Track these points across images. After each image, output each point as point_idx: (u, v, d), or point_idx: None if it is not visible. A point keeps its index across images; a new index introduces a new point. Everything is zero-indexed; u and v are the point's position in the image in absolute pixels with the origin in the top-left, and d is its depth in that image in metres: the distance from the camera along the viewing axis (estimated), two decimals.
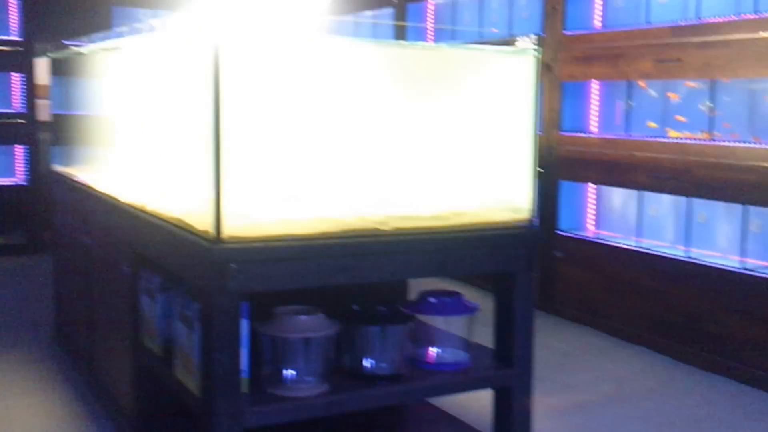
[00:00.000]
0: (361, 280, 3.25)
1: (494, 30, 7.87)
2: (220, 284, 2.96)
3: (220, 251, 2.95)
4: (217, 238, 2.96)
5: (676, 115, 6.15)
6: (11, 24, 9.03)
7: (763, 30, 5.22)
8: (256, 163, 3.18)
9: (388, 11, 9.34)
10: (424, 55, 3.74)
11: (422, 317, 3.60)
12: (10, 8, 9.03)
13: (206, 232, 3.03)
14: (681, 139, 5.89)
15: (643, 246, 6.21)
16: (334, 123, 3.37)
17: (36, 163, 9.05)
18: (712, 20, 5.63)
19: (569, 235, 6.83)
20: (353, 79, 3.41)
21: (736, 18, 5.46)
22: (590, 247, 6.61)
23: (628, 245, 6.31)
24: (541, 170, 6.70)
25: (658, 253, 6.02)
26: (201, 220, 3.09)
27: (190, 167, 3.30)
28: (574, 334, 6.40)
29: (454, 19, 8.42)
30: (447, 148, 3.63)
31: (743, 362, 5.32)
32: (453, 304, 3.59)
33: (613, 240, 6.51)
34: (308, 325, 3.23)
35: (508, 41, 3.69)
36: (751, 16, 5.36)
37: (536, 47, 3.59)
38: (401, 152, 3.54)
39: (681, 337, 5.76)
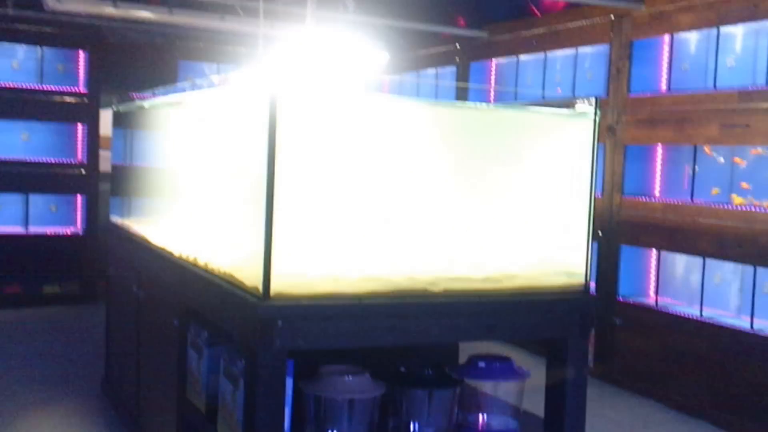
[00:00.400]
0: (409, 342, 3.19)
1: (558, 90, 7.82)
2: (266, 341, 2.92)
3: (267, 308, 2.92)
4: (265, 295, 2.93)
5: (741, 182, 6.01)
6: (79, 76, 9.22)
7: None
8: (306, 219, 3.14)
9: (451, 69, 9.36)
10: (479, 116, 3.68)
11: (471, 382, 3.51)
12: (79, 60, 9.23)
13: (254, 288, 3.00)
14: (748, 206, 5.75)
15: (706, 315, 6.05)
16: (387, 181, 3.32)
17: (93, 213, 9.18)
18: None
19: (629, 301, 6.68)
20: (407, 138, 3.37)
21: None
22: (651, 314, 6.45)
23: (690, 314, 6.14)
24: (601, 233, 6.61)
25: (722, 323, 5.86)
26: (250, 276, 3.06)
27: (240, 223, 3.28)
28: (632, 405, 6.23)
29: (518, 78, 8.39)
30: (501, 209, 3.55)
31: None
32: (503, 370, 3.50)
33: (675, 308, 6.35)
34: (353, 385, 3.17)
35: (568, 103, 3.63)
36: None
37: (595, 110, 3.53)
38: (453, 212, 3.47)
39: (744, 412, 5.57)
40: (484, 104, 3.93)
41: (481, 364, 3.50)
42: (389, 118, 3.32)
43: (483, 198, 3.51)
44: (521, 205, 3.56)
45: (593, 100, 3.53)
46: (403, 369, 3.38)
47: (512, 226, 3.55)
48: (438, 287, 3.23)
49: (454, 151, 3.46)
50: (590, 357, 6.79)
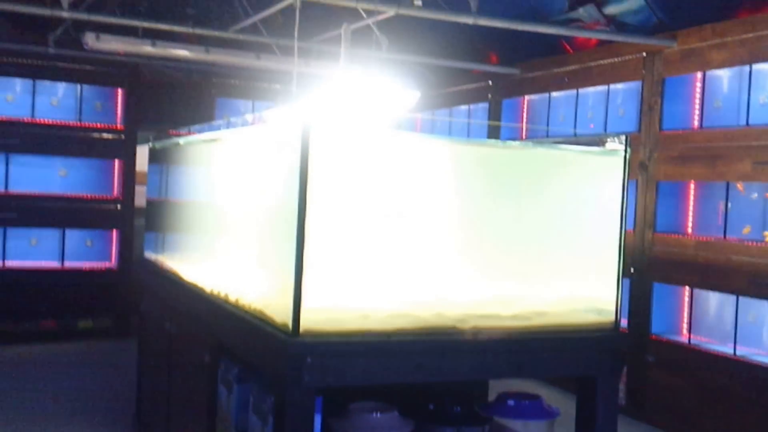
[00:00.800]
0: (438, 379, 3.19)
1: (591, 126, 7.83)
2: (295, 378, 2.93)
3: (297, 344, 2.93)
4: (294, 331, 2.95)
5: None
6: (117, 113, 9.36)
7: None
8: (336, 256, 3.16)
9: (483, 105, 9.40)
10: (508, 154, 3.69)
11: (500, 420, 3.50)
12: (117, 98, 9.37)
13: (284, 324, 3.02)
14: None
15: (740, 353, 5.99)
16: (416, 218, 3.34)
17: (128, 248, 9.27)
18: None
19: (662, 339, 6.63)
20: (436, 176, 3.39)
21: None
22: (684, 352, 6.40)
23: (723, 352, 6.09)
24: (633, 270, 6.58)
25: (756, 362, 5.80)
26: (279, 312, 3.08)
27: (271, 259, 3.31)
28: None
29: (549, 114, 8.41)
30: (531, 246, 3.56)
31: None
32: (532, 408, 3.49)
33: (708, 346, 6.29)
34: (382, 423, 3.18)
35: (599, 140, 3.63)
36: None
37: (626, 148, 3.53)
38: (483, 250, 3.48)
39: None
40: (513, 142, 3.94)
41: (510, 402, 3.50)
42: (418, 155, 3.35)
43: (512, 235, 3.52)
44: (551, 242, 3.56)
45: (623, 138, 3.54)
46: (431, 406, 3.37)
47: (542, 263, 3.55)
48: (467, 324, 3.24)
49: (483, 188, 3.47)
50: (622, 394, 6.73)
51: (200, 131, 4.86)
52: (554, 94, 8.35)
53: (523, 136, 8.77)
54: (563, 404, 3.73)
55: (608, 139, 3.59)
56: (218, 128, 4.45)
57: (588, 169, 3.61)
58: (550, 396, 3.70)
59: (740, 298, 6.04)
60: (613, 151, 3.55)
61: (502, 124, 9.00)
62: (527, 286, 3.51)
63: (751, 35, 6.08)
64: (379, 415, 3.18)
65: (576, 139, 3.93)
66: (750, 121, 6.11)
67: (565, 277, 3.57)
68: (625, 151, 3.53)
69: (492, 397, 3.75)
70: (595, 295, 3.55)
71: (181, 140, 5.13)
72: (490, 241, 3.48)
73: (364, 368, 3.04)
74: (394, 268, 3.28)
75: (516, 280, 3.51)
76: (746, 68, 6.21)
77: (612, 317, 3.51)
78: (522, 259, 3.53)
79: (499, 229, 3.50)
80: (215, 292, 3.91)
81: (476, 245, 3.45)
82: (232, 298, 3.68)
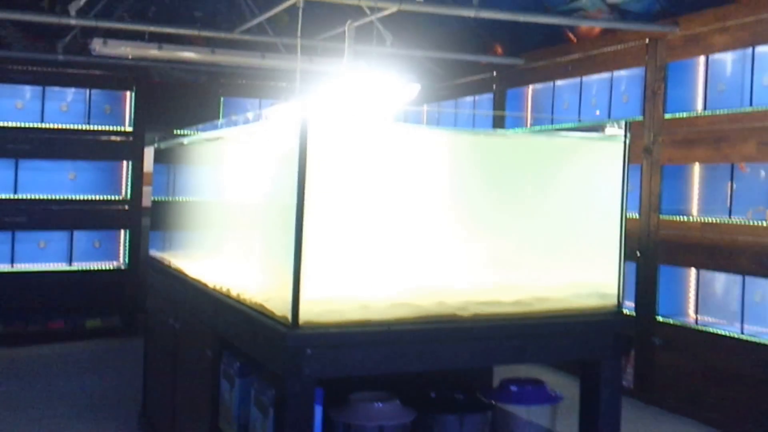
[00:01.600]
0: (439, 367, 3.20)
1: (597, 113, 7.82)
2: (295, 369, 2.95)
3: (296, 336, 2.95)
4: (294, 323, 2.97)
5: None
6: (125, 115, 9.40)
7: None
8: (335, 248, 3.18)
9: (488, 96, 9.40)
10: (508, 143, 3.71)
11: (503, 406, 3.51)
12: (125, 100, 9.41)
13: (284, 317, 3.04)
14: None
15: (747, 333, 5.98)
16: (415, 208, 3.36)
17: (136, 248, 9.31)
18: None
19: (669, 321, 6.63)
20: (437, 166, 3.41)
21: None
22: (690, 334, 6.40)
23: (730, 332, 6.08)
24: (638, 254, 6.57)
25: (764, 342, 5.79)
26: (279, 305, 3.10)
27: (271, 253, 3.33)
28: (673, 426, 6.17)
29: (554, 103, 8.40)
30: (532, 232, 3.57)
31: None
32: (535, 393, 3.50)
33: (715, 326, 6.29)
34: (383, 412, 3.19)
35: (599, 126, 3.65)
36: None
37: (625, 133, 3.53)
38: (484, 237, 3.49)
39: None
40: (511, 131, 3.95)
41: (513, 388, 3.51)
42: (415, 146, 3.37)
43: (513, 222, 3.54)
44: (552, 228, 3.58)
45: (623, 123, 3.54)
46: (433, 394, 3.38)
47: (543, 249, 3.57)
48: (467, 312, 3.25)
49: (483, 176, 3.49)
50: (630, 377, 6.74)
51: (202, 130, 4.88)
52: (558, 82, 8.34)
53: (528, 125, 8.77)
54: (569, 389, 3.73)
55: (608, 125, 3.60)
56: (220, 127, 4.48)
57: (588, 156, 3.63)
58: (555, 381, 3.71)
59: (747, 278, 6.04)
60: (613, 137, 3.56)
61: (507, 113, 9.00)
62: (528, 272, 3.53)
63: (752, 18, 6.07)
64: (380, 404, 3.20)
65: (576, 126, 3.93)
66: (754, 103, 6.10)
67: (566, 263, 3.58)
68: (625, 136, 3.53)
69: (497, 383, 3.76)
70: (597, 280, 3.56)
71: (184, 140, 5.16)
72: (491, 228, 3.50)
73: (364, 358, 3.05)
74: (393, 257, 3.31)
75: (517, 267, 3.53)
76: (749, 51, 6.20)
77: (614, 301, 3.52)
78: (523, 245, 3.55)
79: (500, 216, 3.52)
80: (218, 287, 3.94)
81: (476, 232, 3.47)
82: (234, 293, 3.70)
